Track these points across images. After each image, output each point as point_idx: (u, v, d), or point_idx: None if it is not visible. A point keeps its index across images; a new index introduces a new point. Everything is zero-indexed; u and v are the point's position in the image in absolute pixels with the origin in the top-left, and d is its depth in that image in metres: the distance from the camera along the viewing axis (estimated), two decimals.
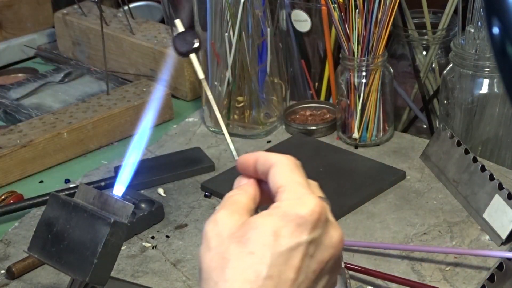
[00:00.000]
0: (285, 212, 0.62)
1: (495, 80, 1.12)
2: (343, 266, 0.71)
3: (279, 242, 0.61)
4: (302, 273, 0.62)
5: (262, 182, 0.68)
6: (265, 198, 0.67)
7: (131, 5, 1.50)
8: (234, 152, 0.75)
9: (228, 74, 1.21)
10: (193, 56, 0.76)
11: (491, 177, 1.00)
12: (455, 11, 1.19)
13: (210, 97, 0.77)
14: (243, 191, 0.67)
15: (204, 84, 0.77)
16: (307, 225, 0.62)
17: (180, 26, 0.76)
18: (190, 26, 1.37)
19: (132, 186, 1.00)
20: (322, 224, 0.63)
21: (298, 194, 0.64)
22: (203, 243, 0.64)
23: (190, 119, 1.30)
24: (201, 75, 0.77)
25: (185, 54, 0.76)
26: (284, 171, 0.65)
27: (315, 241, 0.62)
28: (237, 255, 0.62)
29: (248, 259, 0.61)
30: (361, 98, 1.17)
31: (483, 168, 1.02)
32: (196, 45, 0.75)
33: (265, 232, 0.62)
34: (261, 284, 0.61)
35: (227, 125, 1.25)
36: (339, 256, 0.65)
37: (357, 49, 1.14)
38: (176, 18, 0.78)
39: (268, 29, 1.21)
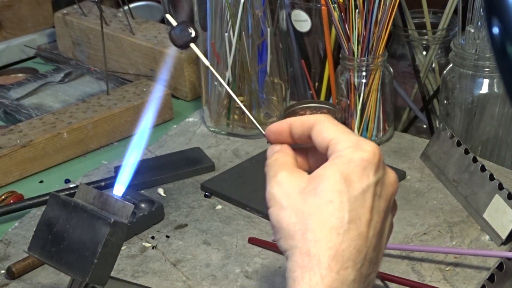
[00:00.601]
0: (349, 159, 0.66)
1: (495, 80, 1.12)
2: None
3: (352, 187, 0.65)
4: (375, 212, 0.66)
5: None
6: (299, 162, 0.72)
7: (131, 5, 1.50)
8: (260, 128, 0.76)
9: (228, 74, 1.21)
10: (193, 46, 0.76)
11: (491, 177, 1.00)
12: (455, 11, 1.19)
13: (220, 79, 0.77)
14: (284, 153, 0.72)
15: (212, 70, 0.77)
16: (372, 167, 0.66)
17: (172, 21, 0.77)
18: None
19: (132, 186, 1.00)
20: (382, 164, 0.67)
21: (354, 141, 0.67)
22: (273, 206, 0.68)
23: (190, 119, 1.30)
24: (206, 62, 0.77)
25: (184, 46, 0.76)
26: (329, 125, 0.69)
27: (380, 181, 0.67)
28: (316, 206, 0.65)
29: (329, 208, 0.65)
30: (361, 98, 1.17)
31: (483, 168, 1.02)
32: (193, 34, 0.76)
33: (337, 181, 0.65)
34: (346, 228, 0.65)
35: (227, 125, 1.25)
36: (395, 195, 0.69)
37: (357, 49, 1.14)
38: (176, 18, 0.78)
39: (268, 29, 1.21)
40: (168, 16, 0.80)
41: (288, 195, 0.67)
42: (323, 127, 0.69)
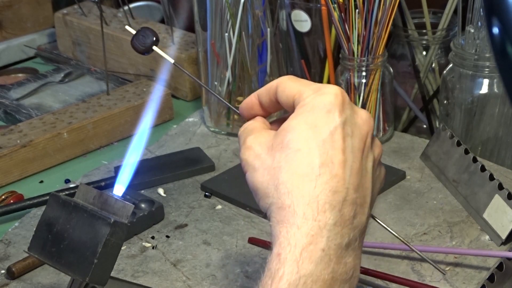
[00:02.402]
0: (312, 105, 0.66)
1: (495, 80, 1.12)
2: None
3: (318, 132, 0.65)
4: (348, 152, 0.65)
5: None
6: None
7: (131, 5, 1.50)
8: (233, 107, 0.78)
9: (228, 74, 1.21)
10: (156, 48, 0.78)
11: (491, 177, 1.00)
12: (455, 11, 1.19)
13: (191, 75, 0.79)
14: (253, 120, 0.72)
15: (180, 67, 0.78)
16: (336, 108, 0.66)
17: (131, 30, 0.78)
18: (190, 26, 1.37)
19: (132, 186, 1.00)
20: (348, 104, 0.67)
21: (315, 88, 0.68)
22: (247, 170, 0.69)
23: (190, 119, 1.30)
24: (171, 60, 0.78)
25: (147, 50, 0.78)
26: (290, 83, 0.69)
27: (348, 121, 0.66)
28: (285, 158, 0.65)
29: (297, 157, 0.65)
30: (361, 98, 1.17)
31: (483, 168, 1.02)
32: (153, 38, 0.77)
33: (302, 129, 0.66)
34: (318, 173, 0.64)
35: (227, 125, 1.25)
36: (373, 134, 0.68)
37: (357, 49, 1.14)
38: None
39: (268, 29, 1.21)
40: (127, 27, 0.81)
41: (258, 156, 0.68)
42: (286, 86, 0.69)
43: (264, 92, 0.72)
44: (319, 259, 0.63)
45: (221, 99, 0.81)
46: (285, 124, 0.67)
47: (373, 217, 0.74)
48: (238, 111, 0.75)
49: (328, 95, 0.66)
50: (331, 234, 0.64)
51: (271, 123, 0.73)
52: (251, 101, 0.73)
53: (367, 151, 0.67)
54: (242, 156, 0.69)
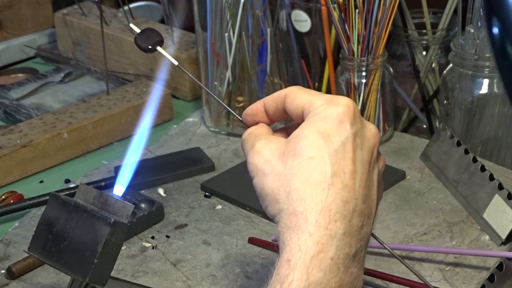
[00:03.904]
0: (324, 115, 0.67)
1: (495, 80, 1.12)
2: None
3: (331, 141, 0.66)
4: (358, 164, 0.66)
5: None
6: None
7: (131, 5, 1.50)
8: (235, 113, 0.78)
9: (228, 74, 1.21)
10: (160, 49, 0.77)
11: (491, 177, 1.00)
12: (455, 11, 1.19)
13: (192, 77, 0.78)
14: (257, 126, 0.73)
15: (184, 70, 0.78)
16: (348, 119, 0.67)
17: (136, 28, 0.78)
18: (190, 26, 1.37)
19: (132, 186, 1.00)
20: (358, 117, 0.68)
21: (327, 98, 0.68)
22: (256, 175, 0.69)
23: (190, 119, 1.30)
24: (175, 62, 0.78)
25: (151, 49, 0.78)
26: (300, 93, 0.70)
27: (359, 133, 0.67)
28: (297, 165, 0.66)
29: (310, 165, 0.65)
30: (361, 98, 1.17)
31: (483, 168, 1.02)
32: (159, 38, 0.77)
33: (314, 137, 0.66)
34: (330, 182, 0.65)
35: (227, 125, 1.25)
36: (378, 147, 0.69)
37: (357, 49, 1.14)
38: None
39: (268, 29, 1.21)
40: (131, 25, 0.81)
41: (268, 162, 0.68)
42: (295, 95, 0.70)
43: (271, 100, 0.72)
44: (328, 267, 0.63)
45: (223, 104, 0.80)
46: (297, 132, 0.67)
47: (372, 235, 0.74)
48: (239, 118, 0.75)
49: (340, 106, 0.67)
50: (340, 243, 0.64)
51: (274, 131, 0.73)
52: (256, 108, 0.73)
53: (373, 164, 0.68)
54: (251, 161, 0.69)
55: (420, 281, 0.91)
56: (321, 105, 0.67)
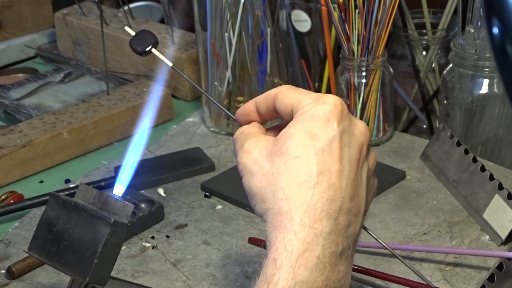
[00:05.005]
0: (311, 114, 0.67)
1: (495, 80, 1.12)
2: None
3: (317, 140, 0.66)
4: (345, 161, 0.66)
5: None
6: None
7: (131, 5, 1.50)
8: (229, 113, 0.78)
9: (228, 74, 1.21)
10: (155, 50, 0.78)
11: (491, 177, 1.00)
12: (455, 11, 1.19)
13: (188, 79, 0.78)
14: (249, 125, 0.73)
15: (178, 71, 0.78)
16: (335, 118, 0.67)
17: (131, 31, 0.79)
18: (190, 26, 1.37)
19: (132, 186, 1.00)
20: (346, 115, 0.67)
21: (315, 97, 0.69)
22: (244, 175, 0.69)
23: (190, 119, 1.30)
24: (170, 64, 0.79)
25: (145, 52, 0.78)
26: (290, 92, 0.70)
27: (346, 131, 0.67)
28: (284, 165, 0.66)
29: (296, 164, 0.66)
30: (361, 98, 1.17)
31: (483, 168, 1.02)
32: (154, 39, 0.78)
33: (301, 137, 0.66)
34: (315, 181, 0.65)
35: (227, 125, 1.25)
36: (369, 145, 0.69)
37: (357, 49, 1.14)
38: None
39: (268, 29, 1.21)
40: (126, 28, 0.81)
41: (256, 161, 0.68)
42: (284, 94, 0.70)
43: (262, 99, 0.72)
44: (314, 266, 0.64)
45: (217, 103, 0.80)
46: (284, 131, 0.68)
47: (365, 228, 0.74)
48: (233, 117, 0.75)
49: (327, 104, 0.67)
50: (326, 242, 0.64)
51: (266, 130, 0.73)
52: (248, 108, 0.73)
53: (362, 161, 0.68)
54: (240, 160, 0.70)
55: (420, 281, 0.91)
56: (309, 104, 0.68)
